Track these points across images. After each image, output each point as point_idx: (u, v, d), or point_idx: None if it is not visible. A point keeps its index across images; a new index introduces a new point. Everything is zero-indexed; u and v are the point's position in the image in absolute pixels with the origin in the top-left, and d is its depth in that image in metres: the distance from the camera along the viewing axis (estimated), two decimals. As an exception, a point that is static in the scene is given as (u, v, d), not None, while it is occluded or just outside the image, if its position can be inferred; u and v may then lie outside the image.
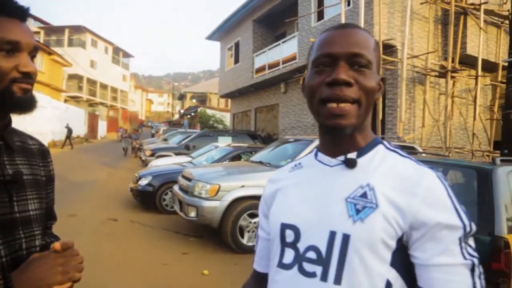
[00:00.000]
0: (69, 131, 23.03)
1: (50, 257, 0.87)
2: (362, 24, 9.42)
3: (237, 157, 8.33)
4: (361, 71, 0.82)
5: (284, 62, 14.39)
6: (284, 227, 0.88)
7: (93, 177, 11.80)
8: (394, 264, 0.78)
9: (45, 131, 20.81)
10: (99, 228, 6.16)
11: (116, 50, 43.78)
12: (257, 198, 5.38)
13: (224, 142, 11.58)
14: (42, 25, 34.33)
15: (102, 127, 37.82)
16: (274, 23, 17.50)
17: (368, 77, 0.82)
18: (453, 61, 10.65)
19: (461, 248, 0.76)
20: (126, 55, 47.30)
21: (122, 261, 4.71)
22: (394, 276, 0.78)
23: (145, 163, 12.92)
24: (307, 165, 0.96)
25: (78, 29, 36.10)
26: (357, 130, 0.86)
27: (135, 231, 6.17)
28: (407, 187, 0.78)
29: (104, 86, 40.48)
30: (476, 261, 0.76)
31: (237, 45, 19.46)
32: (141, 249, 5.25)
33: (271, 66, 15.38)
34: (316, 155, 0.94)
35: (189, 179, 5.81)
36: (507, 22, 11.24)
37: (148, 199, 7.58)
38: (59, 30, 35.48)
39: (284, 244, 0.88)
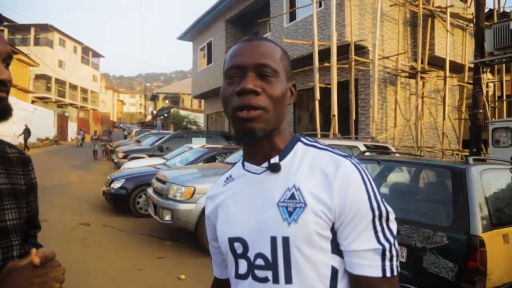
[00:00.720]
0: (27, 132, 21.02)
1: (27, 268, 0.83)
2: (333, 26, 9.54)
3: (211, 159, 8.25)
4: (268, 80, 0.86)
5: (258, 62, 14.36)
6: (231, 241, 0.92)
7: (63, 181, 11.42)
8: (335, 250, 0.85)
9: (11, 134, 19.99)
10: (71, 233, 5.96)
11: (86, 50, 42.64)
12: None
13: (198, 144, 11.46)
14: (5, 23, 33.01)
15: (72, 129, 36.73)
16: (246, 23, 17.48)
17: (275, 85, 0.87)
18: (422, 62, 10.95)
19: (376, 231, 0.82)
20: (96, 55, 46.14)
21: (95, 267, 4.57)
22: (338, 262, 0.85)
23: (117, 166, 12.63)
24: (238, 176, 0.99)
25: (44, 28, 34.87)
26: (275, 134, 0.91)
27: (108, 236, 6.00)
28: (326, 181, 0.85)
29: (73, 87, 39.33)
30: (388, 245, 0.82)
31: (209, 45, 19.33)
32: (115, 254, 5.11)
33: (244, 67, 15.33)
34: (243, 164, 0.98)
35: (163, 182, 5.70)
36: (471, 25, 11.66)
37: (122, 203, 7.40)
38: (24, 28, 34.14)
39: (236, 256, 0.92)
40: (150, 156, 12.45)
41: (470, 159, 3.21)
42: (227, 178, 1.03)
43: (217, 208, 1.00)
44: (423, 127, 10.93)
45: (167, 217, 5.27)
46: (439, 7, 11.32)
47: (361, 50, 10.53)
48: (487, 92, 10.47)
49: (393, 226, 0.85)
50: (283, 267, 0.85)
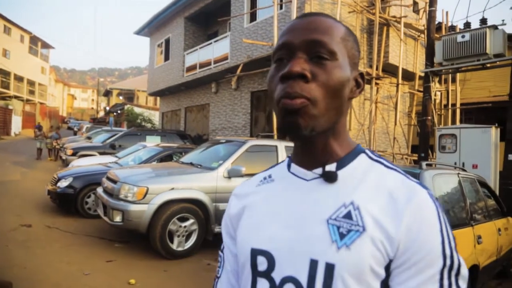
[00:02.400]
0: None
1: None
2: (294, 28, 9.61)
3: (166, 158, 8.03)
4: (321, 64, 0.70)
5: (216, 61, 14.25)
6: (255, 253, 0.75)
7: (3, 178, 10.67)
8: None
9: None
10: (10, 236, 5.54)
11: (34, 40, 40.31)
12: (188, 201, 5.23)
13: (153, 142, 11.13)
14: None
15: (16, 123, 34.55)
16: (206, 21, 17.26)
17: (331, 70, 0.70)
18: (377, 68, 11.30)
19: (441, 284, 0.65)
20: (46, 46, 43.78)
21: (37, 272, 4.25)
22: None
23: (65, 163, 11.99)
24: (279, 178, 0.83)
25: (-13, 14, 32.65)
26: (330, 136, 0.75)
27: (53, 238, 5.64)
28: (393, 207, 0.68)
29: (19, 78, 37.04)
30: None
31: (167, 42, 18.91)
32: (60, 258, 4.79)
33: (202, 65, 15.15)
34: (289, 166, 0.82)
35: (114, 181, 5.45)
36: (423, 35, 12.20)
37: (68, 203, 7.00)
38: (-35, 13, 31.82)
39: (256, 273, 0.75)
40: (101, 154, 11.94)
41: (423, 164, 3.30)
42: (265, 178, 0.86)
43: (244, 209, 0.83)
44: (375, 132, 11.29)
45: (118, 218, 5.03)
46: (394, 16, 11.75)
47: (319, 54, 10.70)
48: (434, 100, 10.98)
49: (463, 284, 0.68)
50: None
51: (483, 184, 4.55)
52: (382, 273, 0.67)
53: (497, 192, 6.21)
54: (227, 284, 0.87)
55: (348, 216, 0.69)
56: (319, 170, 0.76)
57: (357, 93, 0.77)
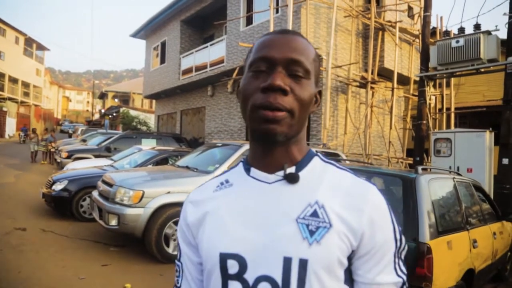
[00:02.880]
0: None
1: None
2: (290, 32, 9.63)
3: (162, 161, 8.01)
4: (298, 80, 0.78)
5: (212, 65, 14.26)
6: (224, 257, 0.77)
7: (-3, 181, 10.59)
8: (346, 281, 0.77)
9: None
10: (4, 240, 5.49)
11: (29, 42, 40.12)
12: (184, 204, 5.19)
13: (148, 145, 11.10)
14: None
15: (10, 125, 34.34)
16: (202, 25, 17.29)
17: (305, 87, 0.78)
18: (372, 72, 11.36)
19: (395, 264, 0.79)
20: (41, 47, 43.57)
21: (31, 276, 4.21)
22: None
23: (60, 166, 11.92)
24: (238, 183, 0.86)
25: (-18, 16, 32.40)
26: (292, 142, 0.82)
27: (47, 242, 5.60)
28: (354, 204, 0.77)
29: (13, 80, 36.80)
30: (405, 277, 0.80)
31: (163, 45, 18.90)
32: (54, 262, 4.76)
33: (198, 69, 15.16)
34: (247, 170, 0.85)
35: (110, 185, 5.42)
36: (417, 40, 12.30)
37: (64, 206, 6.95)
38: (-40, 15, 31.57)
39: (226, 276, 0.77)
40: (96, 156, 11.89)
41: (419, 168, 3.32)
42: (222, 183, 0.88)
43: (205, 216, 0.84)
44: (371, 135, 11.34)
45: (113, 222, 5.00)
46: (389, 21, 11.83)
47: (315, 58, 10.73)
48: (429, 104, 11.05)
49: (403, 254, 0.82)
50: None
51: (478, 188, 4.58)
52: (346, 263, 0.76)
53: (492, 196, 6.25)
54: None
55: (315, 214, 0.76)
56: (280, 173, 0.81)
57: (315, 107, 0.86)
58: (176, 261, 0.93)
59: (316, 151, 0.90)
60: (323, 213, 0.76)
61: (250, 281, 0.75)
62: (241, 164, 0.89)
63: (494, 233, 4.29)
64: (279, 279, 0.73)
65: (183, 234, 0.89)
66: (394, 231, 0.79)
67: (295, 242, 0.74)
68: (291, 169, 0.81)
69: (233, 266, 0.76)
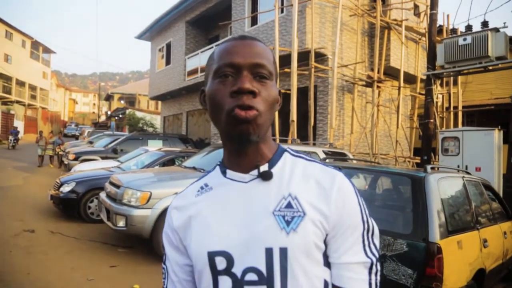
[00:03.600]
0: None
1: None
2: (295, 32, 9.62)
3: (168, 162, 8.02)
4: (263, 82, 0.83)
5: (218, 65, 14.25)
6: (212, 255, 0.82)
7: (5, 183, 10.67)
8: (326, 264, 0.83)
9: None
10: (13, 241, 5.53)
11: (35, 45, 40.42)
12: (192, 205, 5.19)
13: (155, 146, 11.13)
14: None
15: (18, 128, 34.65)
16: (207, 25, 17.31)
17: (269, 88, 0.84)
18: (378, 71, 11.31)
19: (364, 245, 0.83)
20: (47, 50, 43.90)
21: (40, 277, 4.24)
22: (328, 275, 0.83)
23: (68, 168, 11.99)
24: (217, 186, 0.90)
25: (-11, 19, 32.71)
26: (262, 141, 0.87)
27: (56, 243, 5.63)
28: (323, 191, 0.83)
29: (21, 83, 37.10)
30: (375, 259, 0.83)
31: (168, 46, 18.96)
32: (63, 263, 4.78)
33: (203, 69, 15.06)
34: (224, 173, 0.90)
35: (117, 186, 5.44)
36: (424, 38, 12.22)
37: (71, 208, 6.99)
38: (-34, 19, 31.88)
39: (215, 273, 0.83)
40: (103, 158, 11.92)
41: (428, 168, 3.29)
42: (202, 188, 0.93)
43: (189, 220, 0.88)
44: (377, 135, 11.28)
45: (121, 223, 5.02)
46: (395, 20, 11.76)
47: (320, 57, 10.71)
48: (436, 102, 10.98)
49: (377, 241, 0.86)
50: (280, 280, 0.79)
51: (488, 187, 4.54)
52: (322, 246, 0.82)
53: (501, 195, 6.19)
54: None
55: (289, 205, 0.82)
56: (255, 172, 0.86)
57: (278, 107, 0.89)
58: (162, 264, 0.97)
59: (285, 148, 0.96)
60: (297, 203, 0.82)
61: (238, 274, 0.80)
62: (217, 167, 0.94)
63: (505, 233, 4.24)
64: (263, 269, 0.79)
65: (168, 238, 0.93)
66: (361, 212, 0.84)
67: (274, 233, 0.80)
68: (264, 167, 0.86)
69: (221, 263, 0.82)
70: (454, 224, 3.18)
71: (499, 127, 7.66)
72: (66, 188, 7.05)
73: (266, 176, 0.85)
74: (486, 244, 3.58)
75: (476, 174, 6.35)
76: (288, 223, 0.80)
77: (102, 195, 5.88)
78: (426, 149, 8.69)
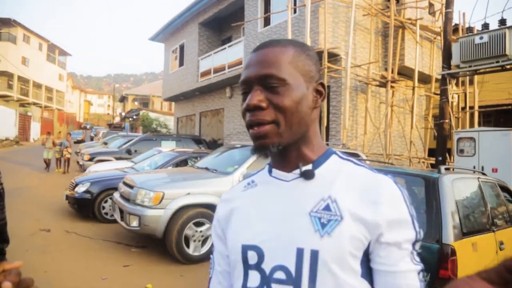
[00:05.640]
0: None
1: None
2: (308, 32, 9.59)
3: (181, 163, 8.07)
4: (275, 91, 0.81)
5: (230, 66, 14.31)
6: (245, 248, 0.84)
7: (22, 184, 10.89)
8: (364, 275, 0.79)
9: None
10: (29, 240, 5.64)
11: (52, 48, 41.21)
12: (204, 206, 5.23)
13: (168, 147, 11.21)
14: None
15: (35, 129, 35.33)
16: (220, 26, 17.38)
17: (283, 95, 0.81)
18: (392, 71, 11.18)
19: (412, 254, 0.80)
20: (63, 53, 44.70)
21: (56, 276, 4.31)
22: (366, 287, 0.79)
23: (83, 169, 12.18)
24: (262, 183, 0.93)
25: (7, 23, 33.33)
26: (301, 144, 0.86)
27: (71, 243, 5.72)
28: (368, 197, 0.79)
29: (38, 85, 37.86)
30: (421, 266, 0.81)
31: (182, 47, 19.09)
32: (78, 262, 4.85)
33: (216, 70, 15.23)
34: (270, 171, 0.92)
35: (131, 186, 5.50)
36: (439, 38, 12.05)
37: (86, 208, 7.10)
38: (-15, 22, 32.61)
39: (247, 266, 0.84)
40: (117, 159, 12.07)
41: (442, 168, 3.24)
42: (248, 183, 0.96)
43: (232, 211, 0.92)
44: (391, 135, 11.15)
45: (134, 223, 5.07)
46: (409, 19, 11.62)
47: (333, 57, 10.64)
48: (452, 102, 10.81)
49: (418, 247, 0.84)
50: (308, 283, 0.76)
51: (504, 189, 4.44)
52: (359, 255, 0.78)
53: (519, 197, 6.05)
54: (217, 284, 0.96)
55: (327, 208, 0.79)
56: (297, 171, 0.86)
57: (320, 101, 0.88)
58: (211, 255, 1.01)
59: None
60: (336, 207, 0.79)
61: (267, 270, 0.80)
62: (267, 166, 0.95)
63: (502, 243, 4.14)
64: (292, 269, 0.78)
65: (215, 229, 0.97)
66: (413, 221, 0.80)
67: (307, 234, 0.78)
68: (307, 167, 0.85)
69: (253, 257, 0.83)
70: (469, 226, 3.12)
71: (517, 127, 7.50)
72: (81, 189, 7.16)
73: (307, 175, 0.84)
74: (503, 246, 3.51)
75: (493, 175, 6.23)
76: (323, 225, 0.78)
77: (116, 195, 5.94)
78: (441, 150, 8.57)
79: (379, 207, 0.77)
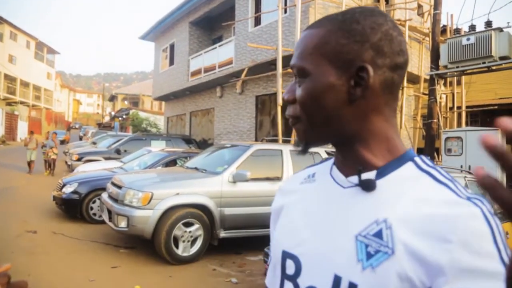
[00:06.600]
0: None
1: None
2: (298, 32, 9.60)
3: (172, 163, 8.03)
4: (299, 83, 0.71)
5: (221, 66, 14.28)
6: (285, 255, 0.75)
7: (8, 184, 10.73)
8: None
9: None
10: (15, 242, 5.55)
11: (40, 45, 40.69)
12: (193, 206, 5.21)
13: (158, 147, 11.15)
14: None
15: (22, 128, 34.88)
16: (210, 26, 17.34)
17: (302, 87, 0.69)
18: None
19: None
20: (51, 51, 44.17)
21: (42, 279, 4.25)
22: None
23: (71, 169, 12.05)
24: (320, 179, 0.79)
25: (-6, 20, 32.93)
26: (358, 145, 0.69)
27: (58, 244, 5.65)
28: (437, 231, 0.58)
29: (25, 84, 37.35)
30: None
31: (172, 46, 19.00)
32: (65, 264, 4.80)
33: (207, 70, 15.20)
34: (331, 168, 0.77)
35: (119, 187, 5.45)
36: (427, 39, 12.17)
37: (74, 208, 7.02)
38: (-29, 20, 32.08)
39: (284, 275, 0.75)
40: (106, 159, 11.97)
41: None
42: (309, 176, 0.83)
43: (283, 207, 0.83)
44: (381, 135, 11.23)
45: (123, 224, 5.03)
46: (398, 20, 11.71)
47: (323, 57, 10.68)
48: (440, 103, 10.91)
49: None
50: None
51: (491, 188, 4.50)
52: None
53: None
54: (272, 278, 0.84)
55: (378, 235, 0.63)
56: (354, 178, 0.69)
57: (359, 92, 0.66)
58: (269, 245, 0.90)
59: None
60: (389, 235, 0.62)
61: (302, 287, 0.70)
62: (332, 159, 0.80)
63: (507, 233, 4.20)
64: None
65: (272, 221, 0.88)
66: (508, 271, 0.45)
67: (348, 262, 0.64)
68: (370, 175, 0.68)
69: (290, 267, 0.73)
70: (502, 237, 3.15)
71: (503, 127, 7.62)
72: (68, 189, 7.08)
73: (366, 186, 0.67)
74: (489, 245, 3.55)
75: (480, 174, 6.31)
76: (369, 256, 0.62)
77: (104, 195, 5.89)
78: (429, 149, 8.64)
79: (447, 247, 0.56)
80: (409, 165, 0.68)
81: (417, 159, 0.69)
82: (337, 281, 0.65)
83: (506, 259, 0.55)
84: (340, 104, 0.67)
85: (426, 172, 0.66)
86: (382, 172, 0.67)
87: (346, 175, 0.72)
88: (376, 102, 0.68)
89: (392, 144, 0.70)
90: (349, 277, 0.63)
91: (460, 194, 0.62)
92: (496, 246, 0.56)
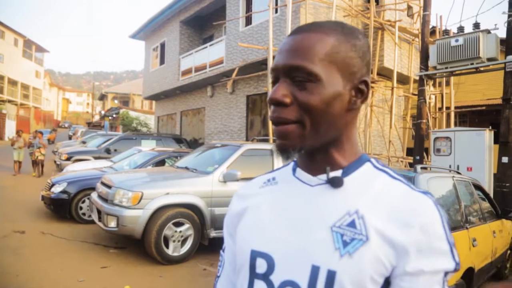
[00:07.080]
0: None
1: None
2: (288, 32, 9.59)
3: (161, 162, 8.00)
4: (302, 86, 0.70)
5: (211, 65, 14.26)
6: (254, 254, 0.76)
7: (-3, 184, 10.58)
8: None
9: None
10: (2, 243, 5.48)
11: (28, 43, 40.15)
12: (183, 206, 5.20)
13: (148, 146, 11.08)
14: None
15: (10, 127, 34.36)
16: (201, 25, 17.29)
17: (312, 91, 0.70)
18: (372, 72, 11.34)
19: (443, 283, 0.70)
20: (40, 49, 43.64)
21: (30, 279, 4.20)
22: None
23: (60, 168, 11.92)
24: (283, 181, 0.83)
25: (-18, 18, 32.38)
26: (331, 147, 0.75)
27: (46, 244, 5.59)
28: (400, 217, 0.68)
29: (13, 82, 36.83)
30: None
31: (162, 45, 18.90)
32: (53, 264, 4.75)
33: (197, 69, 15.15)
34: (294, 170, 0.82)
35: (109, 186, 5.41)
36: (417, 39, 12.28)
37: (63, 208, 6.95)
38: (-41, 18, 31.50)
39: (253, 275, 0.75)
40: (96, 158, 11.86)
41: (418, 168, 3.31)
42: (268, 180, 0.86)
43: (245, 210, 0.83)
44: (371, 135, 11.32)
45: (112, 224, 4.99)
46: (388, 20, 11.81)
47: (314, 58, 10.72)
48: (429, 103, 11.03)
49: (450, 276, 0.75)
50: None
51: (478, 187, 4.57)
52: (381, 281, 0.68)
53: (492, 195, 6.23)
54: (227, 282, 0.88)
55: (352, 224, 0.70)
56: (323, 176, 0.75)
57: (359, 103, 0.75)
58: (221, 251, 0.93)
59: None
60: (362, 224, 0.69)
61: (276, 283, 0.72)
62: (292, 163, 0.85)
63: (494, 232, 4.27)
64: (304, 287, 0.69)
65: (227, 225, 0.90)
66: (452, 251, 0.69)
67: (325, 251, 0.69)
68: (336, 173, 0.75)
69: (261, 266, 0.74)
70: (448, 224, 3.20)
71: (490, 128, 7.72)
72: (57, 189, 7.01)
73: (335, 183, 0.73)
74: (475, 243, 3.61)
75: (468, 174, 6.40)
76: (345, 244, 0.68)
77: (94, 195, 5.85)
78: (418, 149, 8.73)
79: (410, 231, 0.67)
80: (367, 165, 0.78)
81: (372, 160, 0.80)
82: (315, 271, 0.69)
83: (451, 240, 0.69)
84: (342, 112, 0.73)
85: (383, 171, 0.77)
86: (347, 171, 0.76)
87: (314, 175, 0.77)
88: (358, 112, 0.78)
89: (354, 148, 0.79)
90: (327, 265, 0.68)
91: (413, 187, 0.74)
92: (444, 230, 0.69)
